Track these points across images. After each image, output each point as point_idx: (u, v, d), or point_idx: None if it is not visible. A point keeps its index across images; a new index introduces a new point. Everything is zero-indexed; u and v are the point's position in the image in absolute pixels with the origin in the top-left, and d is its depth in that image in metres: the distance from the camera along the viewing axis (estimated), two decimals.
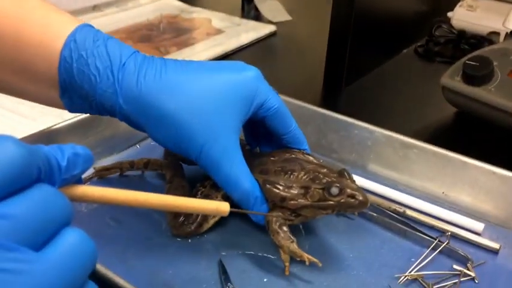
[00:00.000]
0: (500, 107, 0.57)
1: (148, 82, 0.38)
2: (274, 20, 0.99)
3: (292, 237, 0.39)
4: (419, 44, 0.88)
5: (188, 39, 0.87)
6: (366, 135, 0.52)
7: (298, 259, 0.38)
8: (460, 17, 0.87)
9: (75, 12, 0.93)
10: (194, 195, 0.44)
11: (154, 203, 0.27)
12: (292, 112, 0.56)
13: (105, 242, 0.42)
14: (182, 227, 0.42)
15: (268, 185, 0.40)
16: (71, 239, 0.20)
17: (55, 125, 0.50)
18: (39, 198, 0.19)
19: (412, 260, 0.42)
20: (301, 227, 0.44)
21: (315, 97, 0.72)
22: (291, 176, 0.40)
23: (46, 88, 0.39)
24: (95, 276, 0.35)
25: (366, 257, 0.42)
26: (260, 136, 0.47)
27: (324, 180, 0.39)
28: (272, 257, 0.41)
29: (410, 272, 0.40)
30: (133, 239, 0.43)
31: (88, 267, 0.20)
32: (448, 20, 0.89)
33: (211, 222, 0.43)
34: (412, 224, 0.44)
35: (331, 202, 0.38)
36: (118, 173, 0.50)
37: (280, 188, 0.39)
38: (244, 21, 0.97)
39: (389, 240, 0.44)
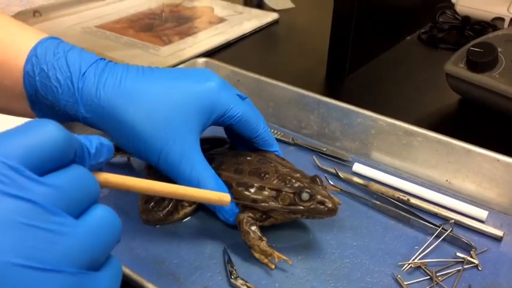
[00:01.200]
0: (504, 93, 0.57)
1: (107, 91, 0.39)
2: (277, 8, 0.98)
3: (262, 236, 0.39)
4: (423, 30, 0.87)
5: (190, 28, 0.87)
6: (369, 123, 0.52)
7: (269, 257, 0.39)
8: (464, 3, 0.86)
9: (79, 3, 0.93)
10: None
11: (166, 191, 0.30)
12: (294, 100, 0.56)
13: None
14: (151, 213, 0.43)
15: (240, 187, 0.41)
16: (102, 212, 0.23)
17: None
18: (76, 175, 0.22)
19: (416, 247, 0.42)
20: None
21: (318, 85, 0.71)
22: (264, 178, 0.41)
23: (17, 102, 0.41)
24: None
25: (370, 245, 0.42)
26: (236, 137, 0.48)
27: (296, 185, 0.40)
28: (275, 245, 0.41)
29: (413, 260, 0.40)
30: (138, 229, 0.43)
31: (115, 238, 0.23)
32: (452, 6, 0.88)
33: (182, 213, 0.44)
34: (416, 212, 0.45)
35: (301, 207, 0.39)
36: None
37: (252, 189, 0.40)
38: (247, 9, 0.97)
39: (393, 228, 0.44)
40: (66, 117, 0.41)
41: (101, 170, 0.27)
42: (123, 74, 0.40)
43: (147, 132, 0.39)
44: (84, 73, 0.39)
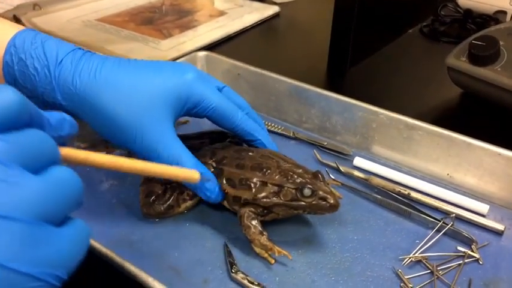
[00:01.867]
0: (506, 87, 0.57)
1: (83, 79, 0.40)
2: (278, 1, 0.98)
3: (263, 231, 0.40)
4: (424, 23, 0.87)
5: (191, 21, 0.87)
6: (370, 117, 0.52)
7: (269, 252, 0.39)
8: None
9: None
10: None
11: (132, 166, 0.28)
12: (295, 94, 0.56)
13: (111, 225, 0.43)
14: (152, 206, 0.43)
15: (242, 183, 0.41)
16: (61, 171, 0.23)
17: None
18: (32, 134, 0.23)
19: (417, 241, 0.42)
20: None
21: (319, 79, 0.71)
22: (266, 173, 0.41)
23: None
24: (102, 259, 0.35)
25: (371, 239, 0.42)
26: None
27: (298, 181, 0.40)
28: (276, 239, 0.41)
29: (414, 254, 0.40)
30: (139, 222, 0.43)
31: (74, 198, 0.24)
32: None
33: (183, 207, 0.44)
34: (417, 206, 0.44)
35: (303, 203, 0.39)
36: (104, 151, 0.51)
37: (254, 184, 0.40)
38: (248, 2, 0.96)
39: (394, 222, 0.44)
40: (44, 105, 0.42)
41: (63, 145, 0.27)
42: (99, 63, 0.41)
43: (122, 119, 0.40)
44: (61, 61, 0.41)
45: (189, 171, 0.31)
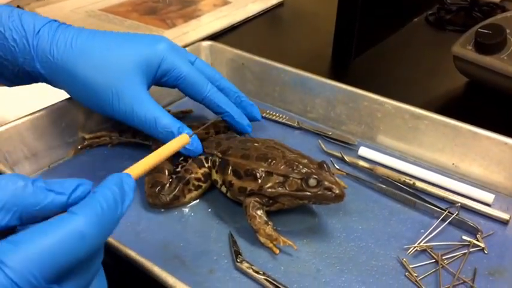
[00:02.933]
0: None
1: (60, 48, 0.43)
2: None
3: (268, 221, 0.40)
4: (430, 12, 0.86)
5: (194, 10, 0.86)
6: (375, 106, 0.52)
7: (274, 242, 0.39)
8: None
9: None
10: (175, 168, 0.45)
11: (160, 158, 0.31)
12: (300, 84, 0.56)
13: None
14: (158, 196, 0.43)
15: (248, 173, 0.41)
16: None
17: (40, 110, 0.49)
18: None
19: (422, 231, 0.42)
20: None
21: (324, 68, 0.71)
22: (272, 164, 0.41)
23: None
24: (107, 249, 0.36)
25: (376, 228, 0.42)
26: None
27: (303, 171, 0.39)
28: (281, 229, 0.41)
29: (419, 243, 0.40)
30: (145, 213, 0.43)
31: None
32: None
33: (188, 197, 0.44)
34: (422, 196, 0.44)
35: (308, 193, 0.39)
36: (108, 141, 0.51)
37: (259, 175, 0.40)
38: None
39: (399, 212, 0.44)
40: (25, 77, 0.44)
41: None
42: (75, 33, 0.43)
43: (97, 85, 0.42)
44: (38, 32, 0.43)
45: (180, 139, 0.33)
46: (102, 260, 0.26)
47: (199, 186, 0.44)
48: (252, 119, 0.51)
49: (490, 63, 0.58)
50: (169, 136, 0.43)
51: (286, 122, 0.56)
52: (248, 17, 0.85)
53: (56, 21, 0.44)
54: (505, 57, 0.57)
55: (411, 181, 0.46)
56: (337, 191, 0.39)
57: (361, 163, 0.49)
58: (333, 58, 0.72)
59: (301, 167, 0.40)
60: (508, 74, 0.57)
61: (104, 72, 0.43)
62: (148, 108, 0.43)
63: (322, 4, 0.94)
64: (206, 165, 0.45)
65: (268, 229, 0.39)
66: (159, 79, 0.46)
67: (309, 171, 0.39)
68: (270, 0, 0.91)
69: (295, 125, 0.55)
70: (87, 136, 0.51)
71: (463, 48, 0.60)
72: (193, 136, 0.43)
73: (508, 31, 0.58)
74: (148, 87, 0.46)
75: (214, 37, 0.76)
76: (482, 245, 0.40)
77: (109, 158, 0.50)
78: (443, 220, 0.42)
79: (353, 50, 0.70)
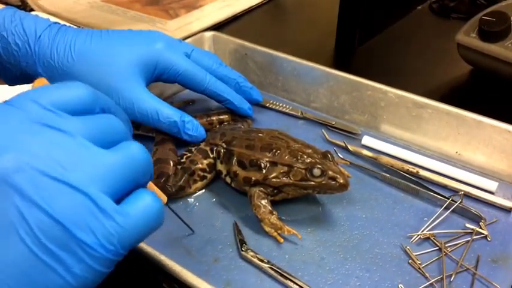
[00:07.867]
0: None
1: (60, 52, 0.44)
2: None
3: (273, 210, 0.40)
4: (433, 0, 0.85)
5: (197, 1, 0.86)
6: (379, 95, 0.52)
7: (279, 231, 0.39)
8: None
9: None
10: (180, 159, 0.46)
11: None
12: (303, 74, 0.56)
13: None
14: (164, 187, 0.43)
15: (253, 164, 0.41)
16: (130, 146, 0.25)
17: None
18: (103, 117, 0.26)
19: (425, 219, 0.42)
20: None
21: (327, 58, 0.70)
22: (276, 154, 0.41)
23: None
24: None
25: (379, 217, 0.42)
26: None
27: (308, 161, 0.40)
28: (285, 218, 0.42)
29: (422, 231, 0.41)
30: None
31: (142, 171, 0.26)
32: None
33: (193, 187, 0.44)
34: (425, 184, 0.45)
35: (312, 183, 0.39)
36: None
37: (264, 165, 0.41)
38: None
39: (402, 200, 0.44)
40: (27, 79, 0.46)
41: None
42: (73, 37, 0.45)
43: (97, 86, 0.43)
44: (40, 37, 0.44)
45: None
46: None
47: (204, 177, 0.44)
48: (253, 101, 0.53)
49: (494, 51, 0.58)
50: (172, 125, 0.45)
51: (289, 112, 0.56)
52: (251, 7, 0.84)
53: (56, 23, 0.46)
54: (510, 45, 0.57)
55: (415, 170, 0.47)
56: (342, 181, 0.39)
57: (365, 152, 0.49)
58: (336, 47, 0.71)
59: (305, 156, 0.40)
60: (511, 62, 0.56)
61: (103, 74, 0.44)
62: (149, 101, 0.45)
63: None
64: (211, 155, 0.45)
65: (273, 218, 0.39)
66: (158, 77, 0.48)
67: (313, 161, 0.40)
68: None
69: (299, 114, 0.56)
70: None
71: (467, 36, 0.60)
72: (197, 124, 0.47)
73: None
74: (147, 85, 0.47)
75: (217, 27, 0.76)
76: (485, 232, 0.40)
77: None
78: (447, 208, 0.43)
79: (356, 39, 0.70)
